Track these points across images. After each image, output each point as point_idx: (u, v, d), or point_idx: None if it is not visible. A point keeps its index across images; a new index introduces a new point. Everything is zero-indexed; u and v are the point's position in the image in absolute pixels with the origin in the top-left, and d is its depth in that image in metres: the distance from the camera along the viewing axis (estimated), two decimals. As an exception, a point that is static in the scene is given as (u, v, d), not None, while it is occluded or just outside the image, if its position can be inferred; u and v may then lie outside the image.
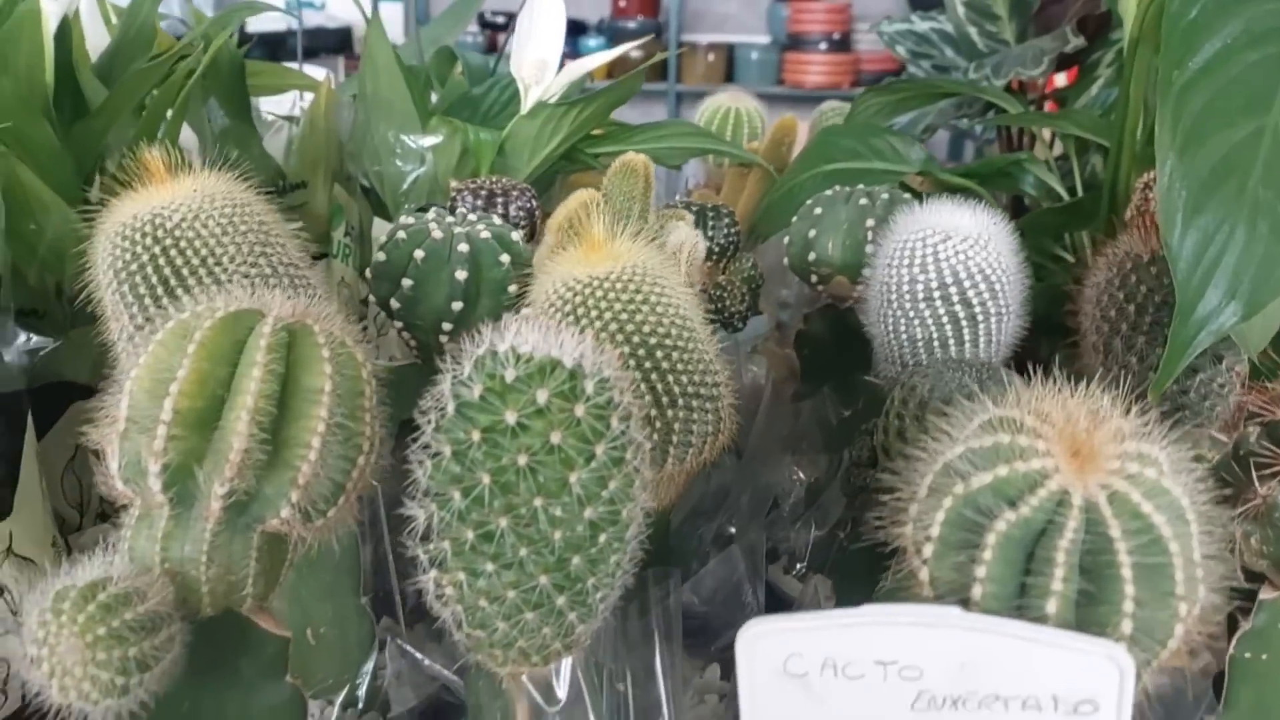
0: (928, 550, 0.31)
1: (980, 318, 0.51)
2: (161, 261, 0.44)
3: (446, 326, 0.57)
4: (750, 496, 0.56)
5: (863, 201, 0.67)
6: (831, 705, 0.31)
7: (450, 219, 0.60)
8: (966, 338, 0.51)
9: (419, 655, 0.48)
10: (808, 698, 0.31)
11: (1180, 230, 0.42)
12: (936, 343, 0.51)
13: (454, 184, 0.72)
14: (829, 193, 0.69)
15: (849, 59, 3.76)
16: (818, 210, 0.68)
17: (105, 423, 0.37)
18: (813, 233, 0.68)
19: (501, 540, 0.33)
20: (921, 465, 0.33)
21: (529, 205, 0.70)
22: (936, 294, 0.51)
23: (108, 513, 0.62)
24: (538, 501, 0.33)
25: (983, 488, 0.30)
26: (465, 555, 0.34)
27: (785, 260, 0.71)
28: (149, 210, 0.45)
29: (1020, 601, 0.30)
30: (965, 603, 0.30)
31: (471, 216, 0.60)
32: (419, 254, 0.56)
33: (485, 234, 0.58)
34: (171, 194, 0.45)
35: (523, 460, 0.32)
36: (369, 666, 0.51)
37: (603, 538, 0.34)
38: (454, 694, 0.54)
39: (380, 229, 0.78)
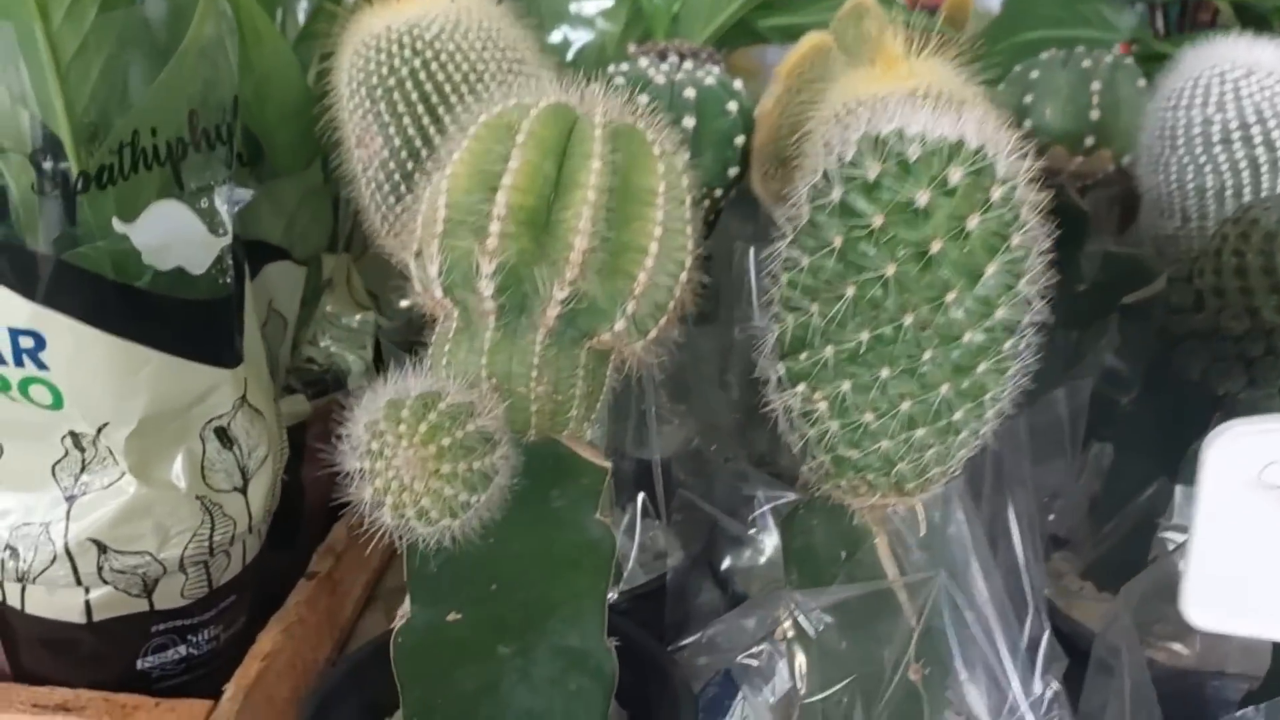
0: None
1: (1284, 161, 0.46)
2: (422, 76, 0.40)
3: (668, 180, 0.52)
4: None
5: (1085, 64, 0.62)
6: (1306, 521, 0.27)
7: (665, 66, 0.55)
8: (1265, 186, 0.47)
9: (703, 504, 0.44)
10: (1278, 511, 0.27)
11: None
12: (1230, 192, 0.47)
13: (633, 48, 0.67)
14: (1044, 56, 0.64)
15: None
16: (1033, 74, 0.63)
17: (411, 230, 0.33)
18: (1028, 98, 0.63)
19: (903, 342, 0.29)
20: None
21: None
22: (1236, 135, 0.46)
23: (293, 385, 0.59)
24: (949, 296, 0.29)
25: None
26: (854, 363, 0.30)
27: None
28: (404, 21, 0.41)
29: None
30: None
31: (688, 64, 0.56)
32: (641, 99, 0.52)
33: (710, 80, 0.54)
34: (424, 5, 0.41)
35: (936, 247, 0.28)
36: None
37: (1008, 344, 0.30)
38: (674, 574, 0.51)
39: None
